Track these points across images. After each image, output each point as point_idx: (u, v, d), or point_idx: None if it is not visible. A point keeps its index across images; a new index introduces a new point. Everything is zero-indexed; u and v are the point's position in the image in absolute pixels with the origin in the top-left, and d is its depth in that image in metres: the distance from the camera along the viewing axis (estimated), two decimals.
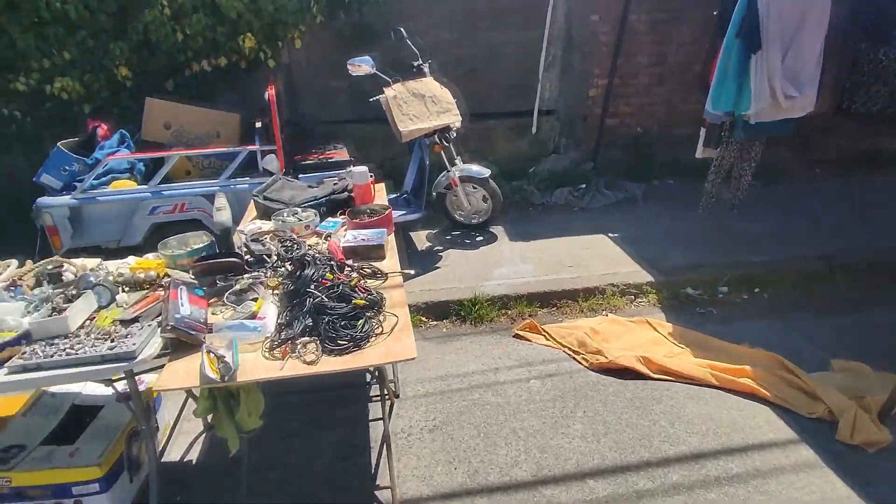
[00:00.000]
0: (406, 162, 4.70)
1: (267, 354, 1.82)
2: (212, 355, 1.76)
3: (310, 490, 2.43)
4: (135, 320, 1.86)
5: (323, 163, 4.05)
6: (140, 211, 3.58)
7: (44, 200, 3.50)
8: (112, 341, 1.74)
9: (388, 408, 2.42)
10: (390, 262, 2.49)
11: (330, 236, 2.64)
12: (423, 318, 3.71)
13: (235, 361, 1.74)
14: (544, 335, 3.50)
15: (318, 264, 2.13)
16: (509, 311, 3.77)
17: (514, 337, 3.52)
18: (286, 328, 1.93)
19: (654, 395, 2.94)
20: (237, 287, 2.14)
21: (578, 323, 3.56)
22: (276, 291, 2.17)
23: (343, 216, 2.91)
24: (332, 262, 2.27)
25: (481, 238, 4.70)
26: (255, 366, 1.78)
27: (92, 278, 2.11)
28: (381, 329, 1.95)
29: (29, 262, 2.35)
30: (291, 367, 1.77)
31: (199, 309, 1.94)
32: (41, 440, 2.16)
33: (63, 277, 2.23)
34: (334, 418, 2.85)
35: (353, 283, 2.10)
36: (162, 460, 2.55)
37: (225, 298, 2.10)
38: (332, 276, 2.14)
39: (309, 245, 2.52)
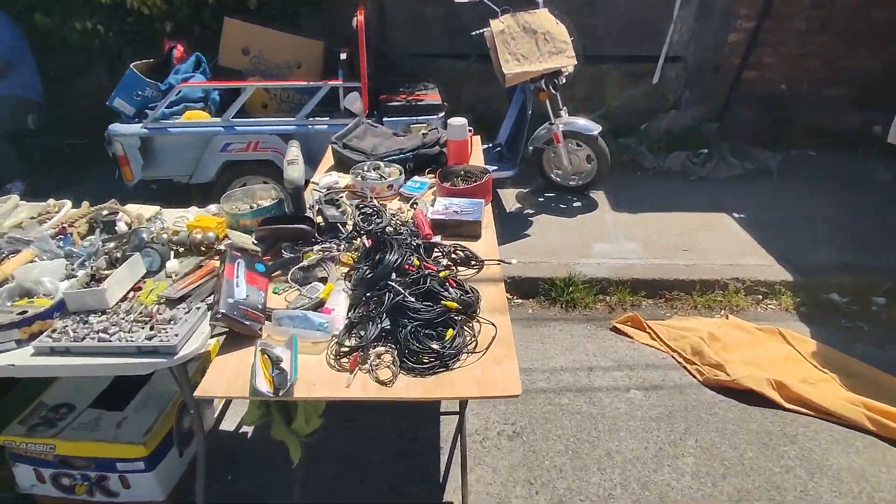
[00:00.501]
0: (501, 107, 4.11)
1: (332, 361, 1.46)
2: (266, 356, 1.42)
3: (367, 488, 2.16)
4: (182, 299, 1.54)
5: (412, 105, 3.55)
6: (212, 147, 3.29)
7: (115, 128, 3.28)
8: (151, 328, 1.43)
9: (464, 409, 2.04)
10: (486, 241, 2.04)
11: (416, 203, 2.21)
12: (507, 294, 3.27)
13: (294, 370, 1.39)
14: (649, 333, 2.97)
15: (402, 247, 1.71)
16: (608, 298, 3.25)
17: (611, 330, 3.03)
18: (357, 328, 1.55)
19: (787, 432, 2.38)
20: (305, 262, 1.77)
21: (692, 323, 2.99)
22: (348, 271, 1.79)
23: (432, 176, 2.46)
24: (419, 241, 1.85)
25: (579, 204, 4.11)
26: (318, 376, 1.42)
27: (144, 234, 1.82)
28: (474, 343, 1.52)
29: (85, 203, 2.09)
30: (361, 386, 1.39)
31: (258, 291, 1.60)
32: (91, 401, 1.98)
33: (116, 227, 1.96)
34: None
35: (442, 274, 1.67)
36: (219, 428, 2.36)
37: (290, 276, 1.75)
38: (417, 263, 1.72)
39: (391, 213, 2.11)
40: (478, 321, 1.61)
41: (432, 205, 2.19)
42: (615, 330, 3.02)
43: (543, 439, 2.35)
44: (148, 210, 2.12)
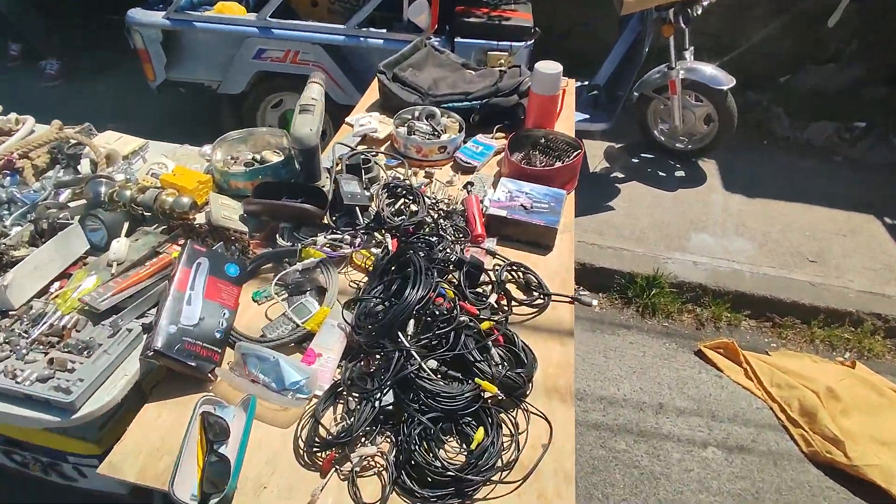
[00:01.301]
0: (608, 38, 3.25)
1: (303, 447, 0.98)
2: (206, 430, 0.97)
3: None
4: (112, 311, 1.08)
5: (494, 24, 2.77)
6: (244, 51, 2.71)
7: (134, 15, 2.73)
8: (51, 362, 0.99)
9: None
10: (559, 256, 1.45)
11: (471, 186, 1.60)
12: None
13: (238, 461, 0.93)
14: (745, 369, 2.34)
15: (435, 270, 1.16)
16: (699, 311, 2.59)
17: (696, 354, 2.41)
18: (348, 395, 1.05)
19: None
20: (298, 266, 1.26)
21: (804, 366, 2.32)
22: (350, 299, 1.27)
23: (503, 137, 1.83)
24: (462, 239, 1.30)
25: (683, 174, 3.32)
26: (275, 469, 0.96)
27: (102, 188, 1.35)
28: (514, 449, 1.00)
29: (56, 123, 1.63)
30: (335, 499, 0.92)
31: (221, 309, 1.12)
32: None
33: (79, 166, 1.51)
34: None
35: (485, 326, 1.12)
36: None
37: (276, 280, 1.25)
38: (452, 294, 1.16)
39: (432, 199, 1.52)
40: (524, 409, 1.07)
41: (493, 188, 1.59)
42: (701, 355, 2.40)
43: (586, 497, 1.88)
44: (131, 142, 1.64)
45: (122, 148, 1.59)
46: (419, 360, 1.01)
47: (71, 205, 1.36)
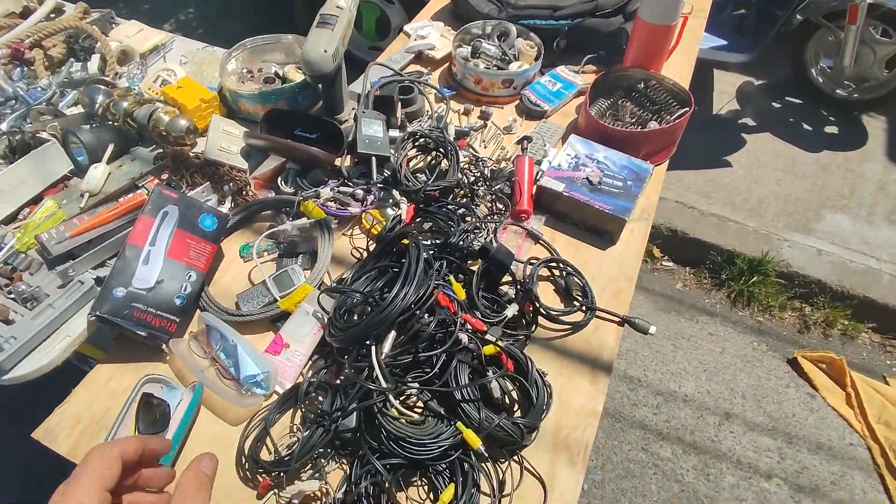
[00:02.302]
0: None
1: (245, 460, 0.83)
2: (141, 418, 0.84)
3: None
4: (67, 257, 0.95)
5: None
6: None
7: None
8: None
9: None
10: (621, 254, 1.12)
11: (527, 143, 1.25)
12: (656, 251, 2.28)
13: (164, 461, 0.80)
14: (848, 393, 1.91)
15: (440, 257, 0.90)
16: (807, 310, 2.12)
17: (788, 363, 2.00)
18: (309, 403, 0.87)
19: None
20: (289, 225, 1.05)
21: None
22: (360, 249, 1.05)
23: (593, 72, 1.43)
24: (501, 213, 1.02)
25: (835, 131, 2.62)
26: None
27: (100, 95, 1.18)
28: None
29: (81, 5, 1.46)
30: None
31: (187, 271, 0.95)
32: None
33: (90, 62, 1.35)
34: None
35: (488, 351, 0.86)
36: None
37: (262, 238, 1.05)
38: (463, 296, 0.91)
39: (474, 154, 1.21)
40: (518, 462, 0.84)
41: (555, 149, 1.24)
42: (795, 366, 1.99)
43: (610, 502, 1.68)
44: (149, 39, 1.44)
45: (141, 44, 1.40)
46: (387, 393, 0.79)
47: (68, 112, 1.21)
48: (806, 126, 2.63)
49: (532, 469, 0.84)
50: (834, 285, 2.07)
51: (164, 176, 1.09)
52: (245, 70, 1.31)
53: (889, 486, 1.71)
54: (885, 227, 2.23)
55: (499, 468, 0.84)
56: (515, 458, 0.84)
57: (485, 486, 0.81)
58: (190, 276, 0.95)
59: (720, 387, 1.93)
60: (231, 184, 1.12)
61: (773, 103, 2.73)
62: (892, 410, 1.83)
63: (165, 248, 0.94)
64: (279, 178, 1.15)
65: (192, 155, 1.14)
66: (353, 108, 1.24)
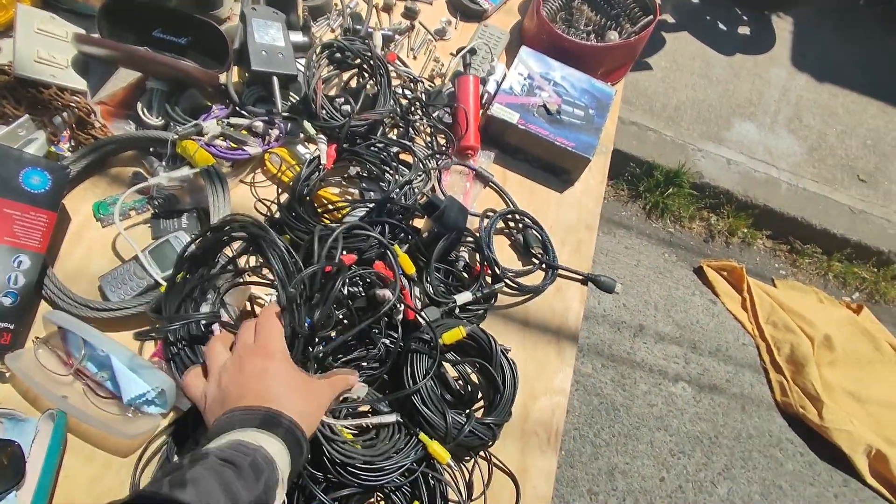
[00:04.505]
0: None
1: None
2: None
3: None
4: None
5: None
6: None
7: None
8: None
9: None
10: (582, 197, 0.98)
11: (470, 56, 1.00)
12: None
13: None
14: (744, 298, 2.06)
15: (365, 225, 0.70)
16: (713, 220, 2.20)
17: (695, 271, 2.10)
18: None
19: None
20: (164, 178, 0.76)
21: (807, 306, 2.05)
22: (267, 202, 0.80)
23: None
24: (442, 150, 0.84)
25: (748, 31, 2.60)
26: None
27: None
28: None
29: None
30: None
31: (8, 254, 0.65)
32: None
33: None
34: None
35: (451, 336, 0.71)
36: None
37: (128, 193, 0.76)
38: (411, 269, 0.72)
39: (406, 72, 0.95)
40: (485, 458, 0.74)
41: (500, 63, 1.02)
42: (700, 273, 2.09)
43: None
44: None
45: None
46: (328, 419, 0.62)
47: None
48: (721, 25, 2.57)
49: (501, 464, 0.74)
50: (740, 195, 2.15)
51: None
52: None
53: (771, 379, 1.92)
54: (785, 136, 2.32)
55: (464, 468, 0.73)
56: (483, 454, 0.74)
57: (452, 494, 0.70)
58: (19, 261, 0.66)
59: (635, 300, 1.98)
60: (66, 113, 0.78)
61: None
62: (779, 313, 2.01)
63: None
64: (138, 104, 0.82)
65: None
66: (237, 1, 0.90)
